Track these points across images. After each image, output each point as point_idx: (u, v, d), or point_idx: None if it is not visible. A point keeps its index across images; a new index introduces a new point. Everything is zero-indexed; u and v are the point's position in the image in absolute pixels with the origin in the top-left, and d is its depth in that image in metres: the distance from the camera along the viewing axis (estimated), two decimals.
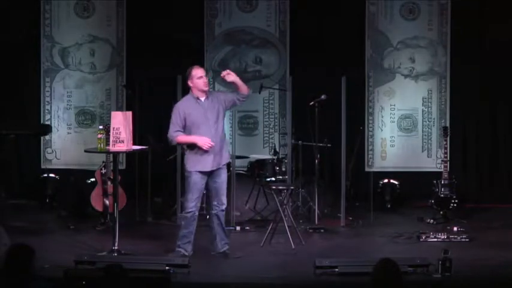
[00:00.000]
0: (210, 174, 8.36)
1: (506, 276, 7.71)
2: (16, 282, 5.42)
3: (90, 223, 10.04)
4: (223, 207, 8.48)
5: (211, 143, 8.23)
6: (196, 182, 8.32)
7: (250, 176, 10.55)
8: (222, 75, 8.57)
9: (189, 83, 8.45)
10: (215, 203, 8.44)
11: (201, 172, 8.32)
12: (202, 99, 8.39)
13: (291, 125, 10.54)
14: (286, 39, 11.89)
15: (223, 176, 8.44)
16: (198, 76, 8.38)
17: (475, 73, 11.74)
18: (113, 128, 8.32)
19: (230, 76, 8.46)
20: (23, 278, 5.43)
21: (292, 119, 10.51)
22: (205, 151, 8.25)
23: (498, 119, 11.89)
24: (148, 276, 7.17)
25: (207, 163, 8.31)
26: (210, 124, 8.33)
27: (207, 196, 8.90)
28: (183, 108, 8.38)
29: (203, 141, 8.24)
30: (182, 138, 8.37)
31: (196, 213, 8.41)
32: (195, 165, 8.32)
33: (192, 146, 8.34)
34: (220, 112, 8.43)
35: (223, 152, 8.44)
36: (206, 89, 8.41)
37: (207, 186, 8.45)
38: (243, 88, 8.49)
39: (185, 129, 8.35)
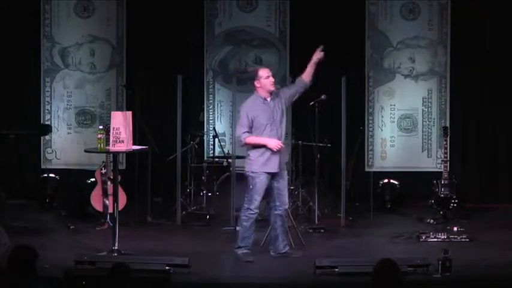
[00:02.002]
0: (274, 175, 8.38)
1: (506, 276, 7.71)
2: (17, 283, 5.43)
3: (90, 223, 10.04)
4: (286, 207, 8.54)
5: (282, 144, 8.28)
6: (264, 183, 8.31)
7: None
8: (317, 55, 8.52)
9: (256, 83, 8.40)
10: (278, 203, 8.45)
11: (268, 173, 8.32)
12: (269, 99, 8.38)
13: (291, 125, 10.54)
14: (286, 39, 11.89)
15: (285, 176, 8.49)
16: (266, 76, 8.36)
17: (475, 73, 11.74)
18: (113, 128, 8.31)
19: (317, 56, 8.49)
20: (24, 279, 5.43)
21: (292, 119, 10.51)
22: (273, 152, 8.25)
23: (498, 119, 11.88)
24: (148, 276, 7.18)
25: (274, 164, 8.32)
26: (277, 124, 8.34)
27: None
28: (251, 109, 8.33)
29: (274, 143, 8.24)
30: (252, 139, 8.31)
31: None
32: (263, 167, 8.31)
33: (258, 147, 8.31)
34: (284, 111, 8.44)
35: (286, 153, 8.48)
36: (273, 89, 8.39)
37: (269, 187, 8.42)
38: (310, 76, 8.52)
39: (252, 129, 8.32)
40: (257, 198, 8.33)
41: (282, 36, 11.90)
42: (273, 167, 8.32)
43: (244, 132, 8.29)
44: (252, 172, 8.34)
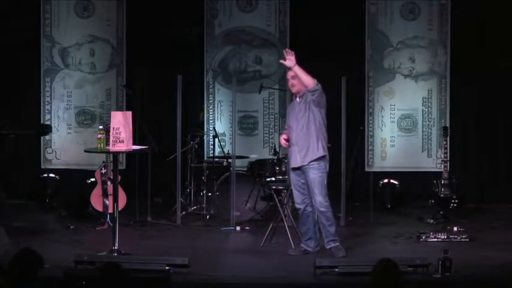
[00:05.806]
0: (303, 172, 8.53)
1: (506, 276, 7.71)
2: (14, 284, 5.42)
3: (90, 223, 10.04)
4: (316, 205, 8.48)
5: (283, 141, 8.57)
6: (292, 178, 8.66)
7: (250, 176, 10.54)
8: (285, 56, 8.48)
9: None
10: (309, 201, 8.59)
11: (292, 168, 8.62)
12: (298, 99, 8.61)
13: None
14: (286, 39, 11.89)
15: (310, 176, 8.48)
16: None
17: (475, 73, 11.74)
18: (113, 128, 8.31)
19: (289, 61, 8.43)
20: (21, 281, 5.43)
21: None
22: (292, 148, 8.54)
23: (498, 119, 11.88)
24: (148, 276, 7.18)
25: (292, 160, 8.59)
26: (294, 122, 8.55)
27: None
28: (288, 108, 8.91)
29: (280, 138, 8.73)
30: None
31: (308, 209, 8.58)
32: (289, 162, 8.76)
33: None
34: (306, 110, 8.44)
35: (309, 151, 8.45)
36: (292, 89, 8.62)
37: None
38: (305, 82, 8.42)
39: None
40: (294, 192, 8.66)
41: (282, 36, 11.90)
42: (291, 162, 8.62)
43: (284, 129, 8.88)
44: None
